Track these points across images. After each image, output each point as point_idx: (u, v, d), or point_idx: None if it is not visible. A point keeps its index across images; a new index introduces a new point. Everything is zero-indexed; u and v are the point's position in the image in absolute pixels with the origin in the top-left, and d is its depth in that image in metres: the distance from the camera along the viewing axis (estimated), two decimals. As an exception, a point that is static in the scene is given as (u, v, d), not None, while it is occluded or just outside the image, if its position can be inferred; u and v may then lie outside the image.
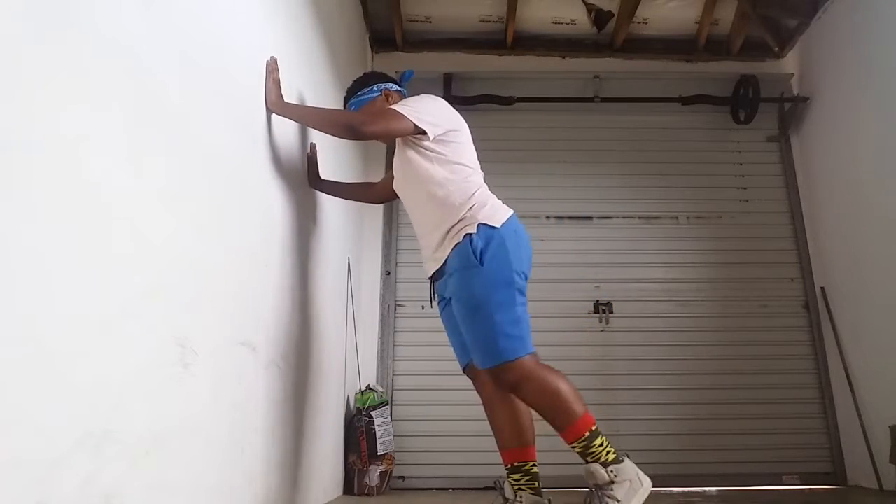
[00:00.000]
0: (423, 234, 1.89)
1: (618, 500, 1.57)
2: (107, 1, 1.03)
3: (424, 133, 1.80)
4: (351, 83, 2.16)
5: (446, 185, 1.80)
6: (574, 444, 1.67)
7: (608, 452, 1.65)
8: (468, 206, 1.77)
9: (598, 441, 1.66)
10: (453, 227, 1.76)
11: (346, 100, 2.13)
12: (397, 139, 1.92)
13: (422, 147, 1.84)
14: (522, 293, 1.74)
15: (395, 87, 2.10)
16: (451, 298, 1.80)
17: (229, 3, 1.59)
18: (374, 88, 2.06)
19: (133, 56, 1.10)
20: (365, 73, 2.20)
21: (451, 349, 1.96)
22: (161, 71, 1.20)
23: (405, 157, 1.89)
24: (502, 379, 1.69)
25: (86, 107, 0.96)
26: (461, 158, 1.86)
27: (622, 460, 1.65)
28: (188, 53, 1.32)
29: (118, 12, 1.06)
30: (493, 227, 1.73)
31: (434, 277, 1.89)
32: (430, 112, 1.83)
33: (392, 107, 1.85)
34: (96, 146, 0.98)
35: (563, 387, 1.67)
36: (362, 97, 2.06)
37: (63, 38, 0.91)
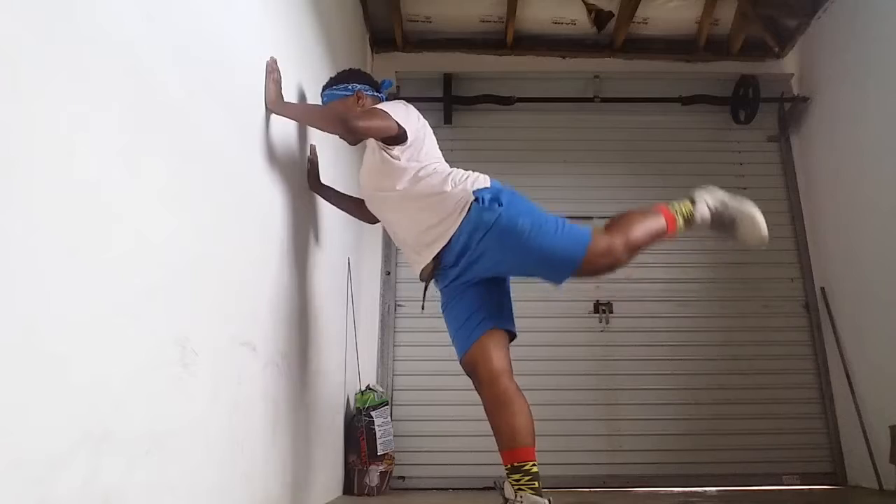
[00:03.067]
0: (415, 237, 1.90)
1: None
2: (107, 1, 1.03)
3: (403, 137, 1.84)
4: (333, 76, 2.19)
5: (427, 189, 1.84)
6: None
7: (688, 205, 1.95)
8: (452, 188, 1.82)
9: (678, 206, 1.94)
10: (449, 214, 1.80)
11: (322, 89, 2.16)
12: (367, 158, 1.98)
13: (393, 156, 1.87)
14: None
15: (371, 91, 2.12)
16: (466, 280, 1.85)
17: (229, 4, 1.59)
18: (349, 87, 2.10)
19: (133, 56, 1.10)
20: (348, 70, 2.22)
21: (451, 349, 1.95)
22: (161, 71, 1.20)
23: (380, 182, 1.92)
24: (597, 259, 1.74)
25: (86, 107, 0.96)
26: (431, 158, 1.92)
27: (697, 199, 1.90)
28: (188, 53, 1.33)
29: (118, 12, 1.06)
30: (486, 187, 1.81)
31: (436, 266, 1.89)
32: (405, 117, 1.88)
33: (375, 107, 1.89)
34: (96, 146, 0.98)
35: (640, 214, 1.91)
36: (335, 92, 2.10)
37: (63, 38, 0.91)
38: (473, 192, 1.79)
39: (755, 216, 1.96)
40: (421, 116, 1.97)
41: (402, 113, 1.88)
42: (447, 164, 1.96)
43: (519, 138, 3.94)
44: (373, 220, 2.29)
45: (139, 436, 1.07)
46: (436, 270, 1.90)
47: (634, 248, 1.82)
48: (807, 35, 3.87)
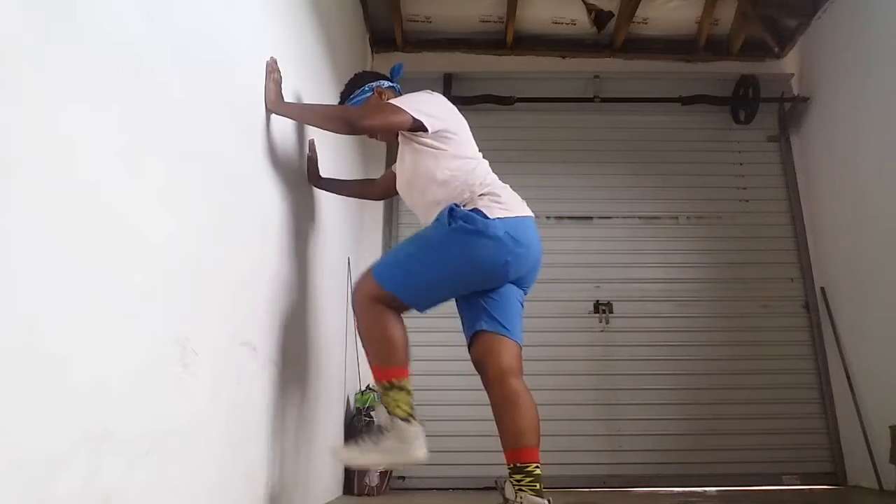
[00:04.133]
0: None
1: (373, 443, 1.67)
2: (107, 1, 1.03)
3: (423, 128, 1.81)
4: (344, 86, 2.17)
5: (451, 182, 1.82)
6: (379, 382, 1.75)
7: (400, 409, 1.68)
8: (470, 194, 1.81)
9: (399, 393, 1.70)
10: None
11: (341, 104, 2.15)
12: (400, 140, 1.93)
13: (422, 144, 1.85)
14: (455, 285, 1.82)
15: (386, 83, 2.11)
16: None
17: (229, 4, 1.59)
18: (366, 88, 2.08)
19: (133, 56, 1.10)
20: (355, 75, 2.21)
21: (452, 349, 1.95)
22: (161, 70, 1.20)
23: (407, 160, 1.91)
24: (356, 288, 1.79)
25: (86, 107, 0.96)
26: (464, 152, 1.88)
27: (411, 422, 1.68)
28: (188, 53, 1.32)
29: (118, 12, 1.06)
30: (485, 217, 1.75)
31: None
32: (428, 106, 1.85)
33: (390, 101, 1.87)
34: (96, 146, 0.98)
35: (398, 335, 1.73)
36: (355, 99, 2.08)
37: (63, 38, 0.91)
38: (472, 208, 1.76)
39: (393, 455, 1.72)
40: (453, 107, 1.94)
41: (424, 102, 1.86)
42: (485, 162, 1.93)
43: (519, 138, 3.94)
44: (378, 195, 2.30)
45: (139, 436, 1.07)
46: None
47: (368, 326, 1.76)
48: (807, 35, 3.87)
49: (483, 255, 1.75)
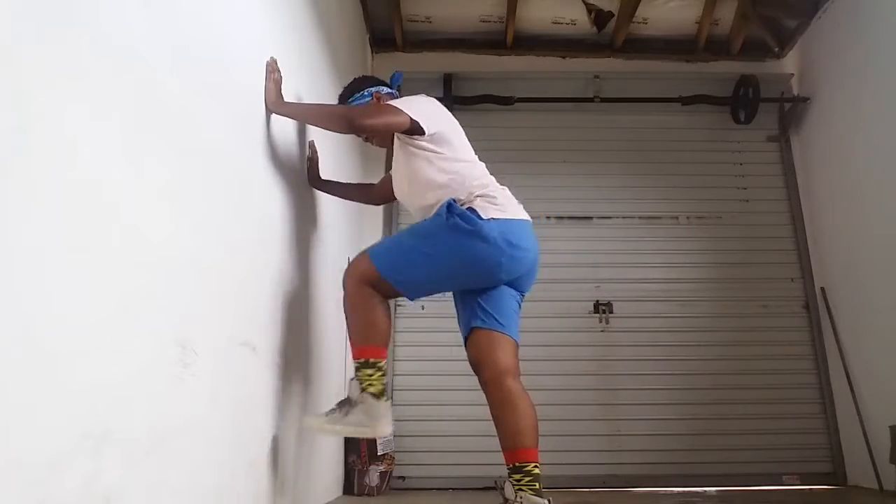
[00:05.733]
0: None
1: (341, 414, 1.72)
2: (107, 0, 1.03)
3: (420, 130, 1.82)
4: (343, 88, 2.19)
5: (449, 185, 1.83)
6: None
7: (373, 386, 1.72)
8: (467, 195, 1.81)
9: (372, 371, 1.74)
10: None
11: (342, 101, 2.16)
12: (395, 144, 1.94)
13: (419, 148, 1.86)
14: (447, 280, 1.85)
15: (385, 89, 2.13)
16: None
17: (229, 3, 1.59)
18: (365, 93, 2.10)
19: (133, 55, 1.10)
20: (355, 79, 2.22)
21: (452, 349, 1.96)
22: (161, 70, 1.20)
23: (403, 164, 1.92)
24: (351, 265, 1.84)
25: (86, 106, 0.96)
26: (461, 155, 1.89)
27: (381, 399, 1.72)
28: (188, 53, 1.32)
29: (119, 12, 1.06)
30: (479, 218, 1.75)
31: None
32: (424, 109, 1.86)
33: (389, 102, 1.88)
34: (96, 146, 0.98)
35: (381, 320, 1.77)
36: (354, 103, 2.09)
37: (63, 38, 0.91)
38: (468, 207, 1.77)
39: (350, 428, 1.76)
40: (448, 112, 1.96)
41: (420, 105, 1.87)
42: (482, 165, 1.94)
43: (519, 138, 3.94)
44: (378, 200, 2.31)
45: (139, 436, 1.07)
46: None
47: (352, 305, 1.82)
48: (807, 35, 3.87)
49: (476, 254, 1.77)
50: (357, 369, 1.77)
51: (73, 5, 0.93)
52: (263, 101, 1.82)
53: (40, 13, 0.86)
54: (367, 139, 2.16)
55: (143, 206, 1.12)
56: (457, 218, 1.75)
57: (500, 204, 1.81)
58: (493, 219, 1.76)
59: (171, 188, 1.23)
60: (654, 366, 3.56)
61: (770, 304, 3.68)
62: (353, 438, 2.94)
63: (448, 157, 1.86)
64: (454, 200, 1.79)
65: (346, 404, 1.76)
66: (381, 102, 2.04)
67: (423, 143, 1.85)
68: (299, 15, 2.27)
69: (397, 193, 2.03)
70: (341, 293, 1.85)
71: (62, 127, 0.90)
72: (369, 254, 1.83)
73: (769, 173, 3.95)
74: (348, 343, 1.86)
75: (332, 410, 1.77)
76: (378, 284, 1.79)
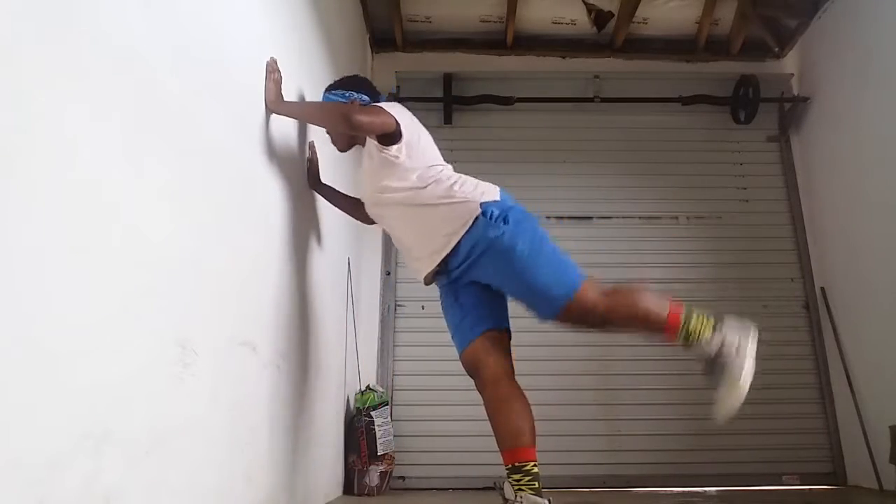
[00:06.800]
0: (419, 244, 1.90)
1: None
2: (107, 0, 1.03)
3: (399, 132, 1.84)
4: (337, 79, 2.21)
5: (432, 196, 1.83)
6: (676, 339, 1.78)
7: (705, 327, 1.81)
8: (458, 194, 1.81)
9: (693, 319, 1.82)
10: (455, 224, 1.80)
11: (325, 90, 2.18)
12: (366, 163, 1.97)
13: (392, 156, 1.86)
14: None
15: (366, 98, 2.13)
16: (466, 280, 1.84)
17: (229, 3, 1.59)
18: (346, 95, 2.11)
19: (133, 55, 1.10)
20: (350, 77, 2.24)
21: (452, 349, 1.95)
22: (161, 70, 1.20)
23: (381, 184, 1.91)
24: (577, 310, 1.73)
25: (86, 106, 0.96)
26: (432, 160, 1.92)
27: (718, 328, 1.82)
28: (188, 53, 1.32)
29: (119, 12, 1.06)
30: (495, 200, 1.80)
31: (438, 272, 1.89)
32: (399, 116, 1.88)
33: (375, 104, 1.92)
34: (96, 146, 0.98)
35: (647, 296, 1.76)
36: (332, 96, 2.12)
37: (63, 38, 0.91)
38: (481, 204, 1.78)
39: (741, 388, 1.78)
40: (415, 118, 1.98)
41: (397, 111, 1.90)
42: (451, 168, 1.95)
43: (519, 138, 3.93)
44: (370, 221, 2.29)
45: (139, 436, 1.07)
46: (437, 273, 1.90)
47: (609, 322, 1.77)
48: (807, 35, 3.87)
49: (526, 214, 1.85)
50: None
51: (73, 5, 0.93)
52: (263, 100, 1.83)
53: (40, 13, 0.86)
54: (333, 141, 2.17)
55: (143, 206, 1.12)
56: (496, 217, 1.77)
57: (487, 185, 1.87)
58: (501, 195, 1.85)
59: (171, 188, 1.23)
60: (653, 366, 3.55)
61: (770, 304, 3.68)
62: (352, 437, 2.95)
63: (421, 165, 1.87)
64: (484, 206, 1.79)
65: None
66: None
67: (396, 152, 1.87)
68: (299, 15, 2.27)
69: (363, 194, 2.05)
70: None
71: (62, 127, 0.90)
72: (574, 287, 1.74)
73: (769, 173, 3.95)
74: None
75: None
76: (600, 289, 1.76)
